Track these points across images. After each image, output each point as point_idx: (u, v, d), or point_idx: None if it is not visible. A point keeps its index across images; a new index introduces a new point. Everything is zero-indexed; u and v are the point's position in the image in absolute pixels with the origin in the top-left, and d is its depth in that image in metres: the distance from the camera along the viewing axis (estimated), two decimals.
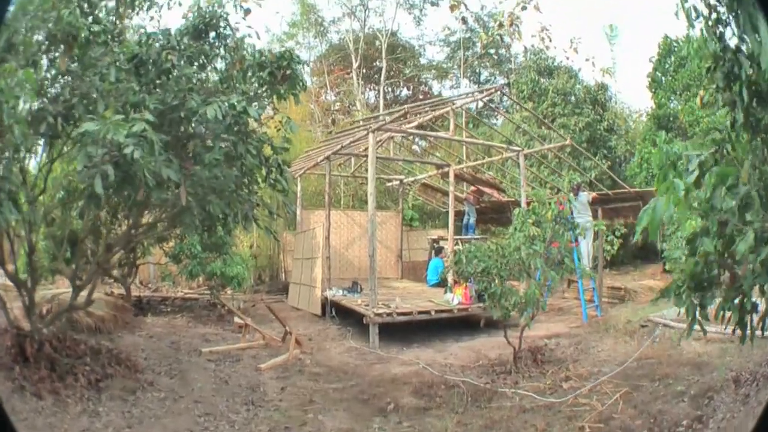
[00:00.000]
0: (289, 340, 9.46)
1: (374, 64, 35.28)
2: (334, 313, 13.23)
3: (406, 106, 11.70)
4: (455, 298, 11.88)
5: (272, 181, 6.38)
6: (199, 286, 14.78)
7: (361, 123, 13.47)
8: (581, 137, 22.73)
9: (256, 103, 5.93)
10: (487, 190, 18.32)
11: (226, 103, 5.27)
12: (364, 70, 34.12)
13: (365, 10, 33.59)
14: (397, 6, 33.53)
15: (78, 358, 6.42)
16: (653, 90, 25.63)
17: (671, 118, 23.90)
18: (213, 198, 5.75)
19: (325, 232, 14.39)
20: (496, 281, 8.38)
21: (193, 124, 5.73)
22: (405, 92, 37.47)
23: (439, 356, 9.74)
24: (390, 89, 35.96)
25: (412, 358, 9.46)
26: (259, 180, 6.56)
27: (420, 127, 12.93)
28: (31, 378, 5.71)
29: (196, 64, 6.35)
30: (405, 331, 11.11)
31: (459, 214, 21.75)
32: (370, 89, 35.75)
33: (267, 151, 6.45)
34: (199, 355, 8.86)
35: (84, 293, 7.01)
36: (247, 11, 6.70)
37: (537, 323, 11.29)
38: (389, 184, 21.75)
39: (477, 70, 35.78)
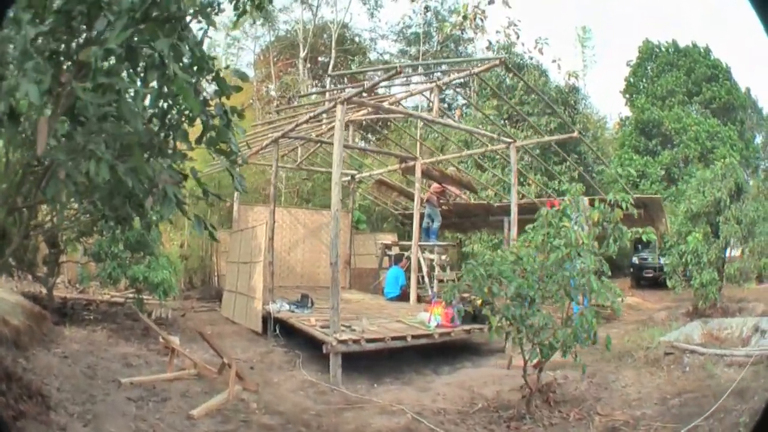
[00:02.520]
0: (227, 372, 6.98)
1: (319, 59, 32.87)
2: (277, 330, 10.72)
3: (398, 63, 9.27)
4: (433, 320, 9.59)
5: (212, 137, 3.83)
6: (126, 289, 12.41)
7: (315, 97, 10.95)
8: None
9: None
10: (453, 189, 16.08)
11: None
12: (309, 65, 31.69)
13: None
14: None
15: None
16: (630, 95, 24.74)
17: (654, 125, 22.76)
18: (102, 151, 3.24)
19: (269, 232, 11.85)
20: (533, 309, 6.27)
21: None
22: (350, 90, 34.92)
23: (425, 398, 7.54)
24: (334, 85, 33.48)
25: (392, 401, 7.20)
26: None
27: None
28: None
29: None
30: (370, 359, 8.82)
31: (410, 217, 19.74)
32: (314, 85, 33.17)
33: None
34: (118, 388, 6.42)
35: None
36: None
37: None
38: None
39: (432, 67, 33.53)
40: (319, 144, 15.17)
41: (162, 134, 3.80)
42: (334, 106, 9.02)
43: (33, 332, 7.42)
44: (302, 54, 29.80)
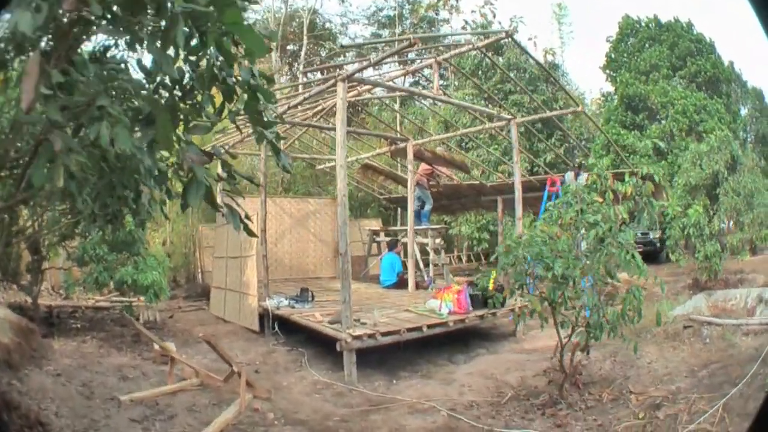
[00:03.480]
0: (234, 379, 6.37)
1: (288, 47, 31.92)
2: (276, 328, 10.04)
3: (410, 36, 8.51)
4: (444, 306, 9.06)
5: (250, 102, 3.07)
6: (110, 292, 11.55)
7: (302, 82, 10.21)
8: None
9: None
10: (443, 170, 15.51)
11: None
12: (279, 54, 30.72)
13: None
14: None
15: None
16: (612, 70, 24.56)
17: (640, 99, 22.76)
18: (118, 111, 2.48)
19: (261, 223, 11.16)
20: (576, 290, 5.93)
21: None
22: (320, 76, 34.00)
23: (451, 391, 7.03)
24: (303, 75, 32.49)
25: (419, 398, 6.67)
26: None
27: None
28: None
29: None
30: (381, 353, 8.25)
31: (395, 201, 19.24)
32: (287, 73, 32.18)
33: None
34: (118, 407, 5.73)
35: None
36: None
37: (533, 331, 9.65)
38: (321, 166, 18.63)
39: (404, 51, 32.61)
40: (304, 130, 14.53)
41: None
42: (334, 85, 8.36)
43: (23, 349, 6.63)
44: (274, 43, 28.83)
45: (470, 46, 9.35)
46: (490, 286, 10.01)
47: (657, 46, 24.41)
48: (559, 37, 36.75)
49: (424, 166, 14.99)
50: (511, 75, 21.88)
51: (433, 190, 15.37)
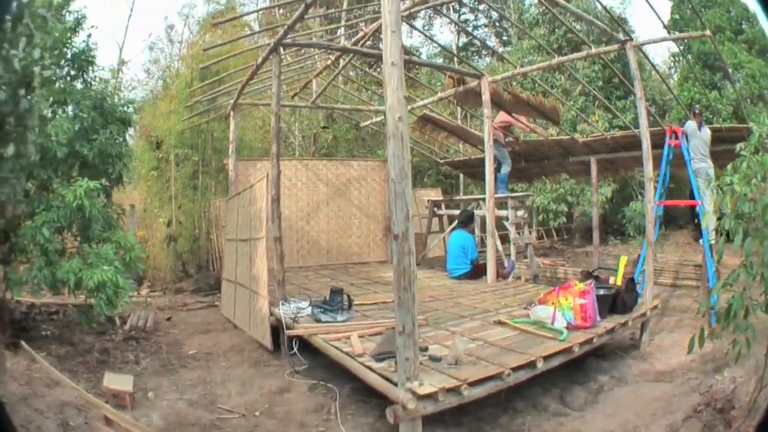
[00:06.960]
0: None
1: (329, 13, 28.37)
2: (295, 347, 6.37)
3: None
4: (560, 318, 5.60)
5: None
6: None
7: None
8: (605, 72, 19.77)
9: None
10: (523, 121, 11.72)
11: None
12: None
13: None
14: None
15: None
16: (678, 30, 22.37)
17: (715, 57, 21.01)
18: None
19: (272, 189, 7.44)
20: None
21: None
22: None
23: None
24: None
25: None
26: None
27: None
28: None
29: None
30: None
31: (460, 166, 15.96)
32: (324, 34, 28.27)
33: None
34: None
35: None
36: None
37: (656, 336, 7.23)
38: (366, 123, 15.11)
39: (455, 6, 28.57)
40: (346, 61, 11.25)
41: None
42: None
43: None
44: None
45: None
46: (618, 280, 6.76)
47: (716, 8, 22.99)
48: None
49: (501, 116, 11.33)
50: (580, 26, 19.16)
51: (508, 149, 11.72)
